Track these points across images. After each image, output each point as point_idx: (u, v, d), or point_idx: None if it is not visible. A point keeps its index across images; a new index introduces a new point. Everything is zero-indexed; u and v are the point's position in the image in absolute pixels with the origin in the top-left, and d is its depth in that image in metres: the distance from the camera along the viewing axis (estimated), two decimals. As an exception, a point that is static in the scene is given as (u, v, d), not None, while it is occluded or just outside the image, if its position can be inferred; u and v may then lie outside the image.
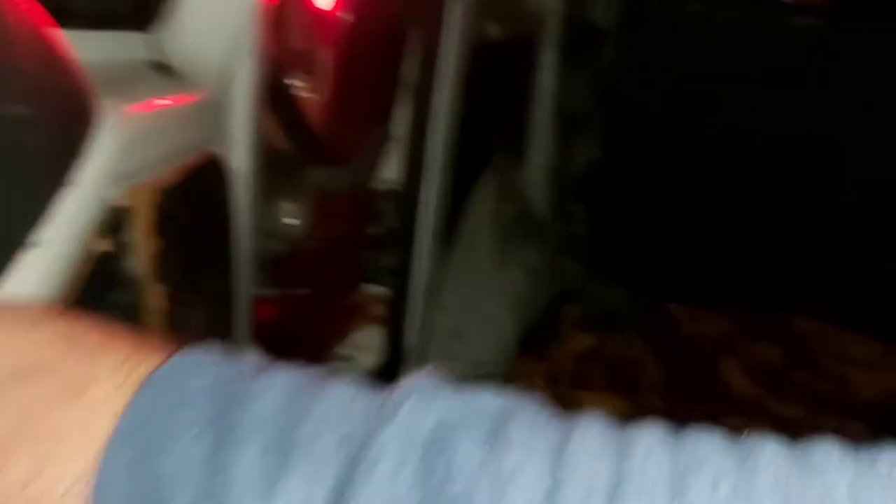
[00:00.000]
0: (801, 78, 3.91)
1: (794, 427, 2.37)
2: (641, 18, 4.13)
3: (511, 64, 2.97)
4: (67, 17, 0.78)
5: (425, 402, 0.48)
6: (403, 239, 1.57)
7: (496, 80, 2.79)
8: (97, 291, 0.76)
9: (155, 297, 0.92)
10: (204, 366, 0.52)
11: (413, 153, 1.54)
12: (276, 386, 0.49)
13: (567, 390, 2.49)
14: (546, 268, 3.02)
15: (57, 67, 0.73)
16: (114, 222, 0.79)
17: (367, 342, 1.60)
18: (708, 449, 0.47)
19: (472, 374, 2.47)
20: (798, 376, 2.69)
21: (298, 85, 1.39)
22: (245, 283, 1.26)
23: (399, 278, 1.57)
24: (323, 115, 1.39)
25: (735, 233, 3.53)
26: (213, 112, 1.20)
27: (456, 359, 2.44)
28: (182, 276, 1.00)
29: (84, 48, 0.78)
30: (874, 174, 3.80)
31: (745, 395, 2.58)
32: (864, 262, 3.49)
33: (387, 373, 1.60)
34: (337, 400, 0.49)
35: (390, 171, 1.60)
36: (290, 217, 1.37)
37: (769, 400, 2.54)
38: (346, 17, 1.43)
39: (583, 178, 4.15)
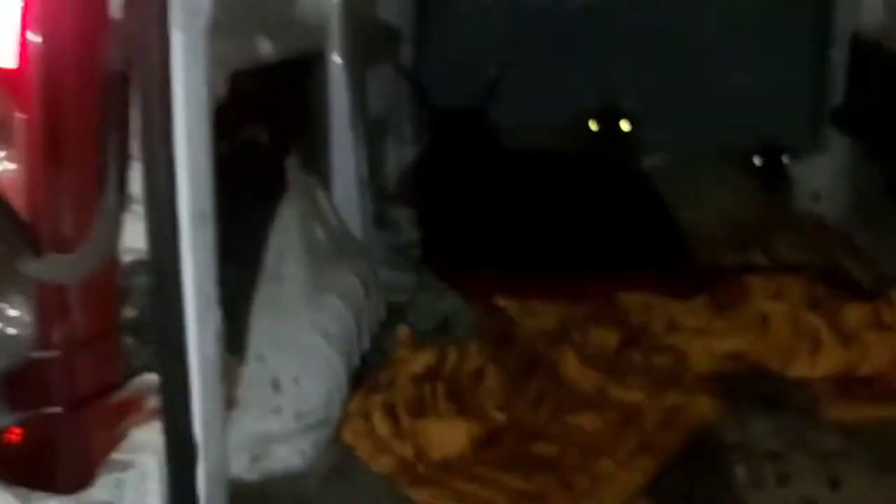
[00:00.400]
0: (592, 49, 4.01)
1: (642, 411, 2.34)
2: (435, 12, 4.15)
3: (294, 81, 2.82)
4: None
5: None
6: (168, 313, 1.39)
7: (279, 101, 2.64)
8: None
9: None
10: None
11: (158, 211, 1.36)
12: None
13: (410, 422, 2.35)
14: (370, 288, 2.87)
15: None
16: None
17: (147, 441, 1.42)
18: None
19: (301, 425, 2.30)
20: (635, 357, 2.67)
21: (-8, 164, 1.19)
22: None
23: (172, 360, 1.39)
24: (29, 193, 1.20)
25: (550, 217, 3.54)
26: None
27: (280, 412, 2.26)
28: None
29: None
30: (670, 137, 3.95)
31: (586, 386, 2.54)
32: (671, 224, 3.58)
33: (176, 471, 1.41)
34: None
35: (136, 238, 1.41)
36: (11, 324, 1.17)
37: (611, 387, 2.51)
38: (39, 73, 1.24)
39: (399, 181, 4.07)
